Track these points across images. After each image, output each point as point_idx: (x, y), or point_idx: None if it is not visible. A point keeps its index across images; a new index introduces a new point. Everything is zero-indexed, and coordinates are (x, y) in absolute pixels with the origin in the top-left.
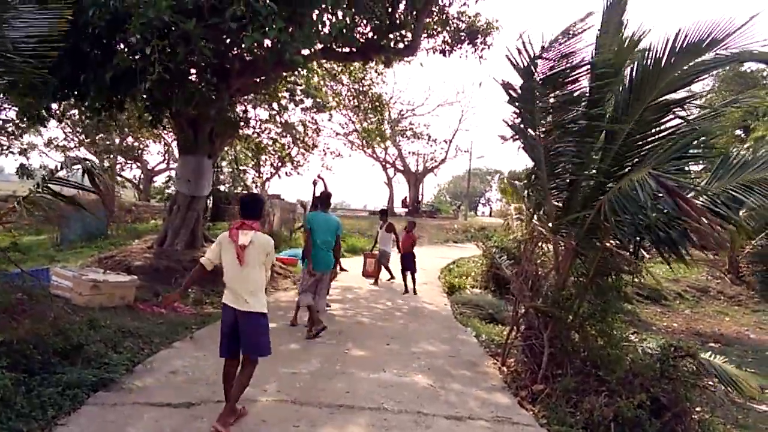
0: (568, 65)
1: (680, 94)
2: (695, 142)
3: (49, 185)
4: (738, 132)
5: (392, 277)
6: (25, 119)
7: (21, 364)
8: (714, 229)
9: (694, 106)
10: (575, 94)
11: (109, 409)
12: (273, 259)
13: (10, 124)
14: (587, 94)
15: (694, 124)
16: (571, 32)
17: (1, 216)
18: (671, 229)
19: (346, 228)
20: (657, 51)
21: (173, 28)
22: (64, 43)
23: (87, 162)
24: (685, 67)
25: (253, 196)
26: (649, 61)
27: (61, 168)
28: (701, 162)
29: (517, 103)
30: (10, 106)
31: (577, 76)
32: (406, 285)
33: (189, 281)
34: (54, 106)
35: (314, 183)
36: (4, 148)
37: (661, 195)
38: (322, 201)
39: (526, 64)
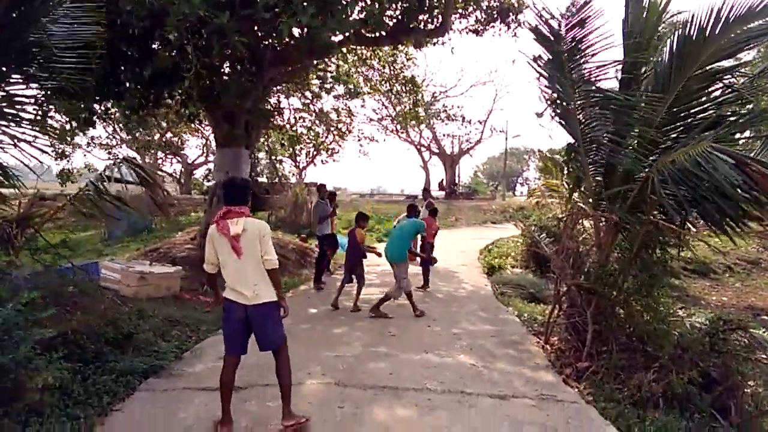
0: (597, 33)
1: (726, 63)
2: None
3: (95, 186)
4: None
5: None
6: (72, 122)
7: (76, 354)
8: None
9: (739, 75)
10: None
11: (161, 394)
12: (270, 243)
13: (57, 128)
14: (621, 66)
15: (743, 92)
16: None
17: (52, 214)
18: (726, 200)
19: (381, 212)
20: (701, 20)
21: (207, 23)
22: (103, 44)
23: (136, 162)
24: (732, 35)
25: (236, 180)
26: (692, 30)
27: (109, 168)
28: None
29: (548, 74)
30: (57, 111)
31: (607, 45)
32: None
33: (214, 287)
34: (96, 106)
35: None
36: (59, 151)
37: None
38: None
39: (551, 32)
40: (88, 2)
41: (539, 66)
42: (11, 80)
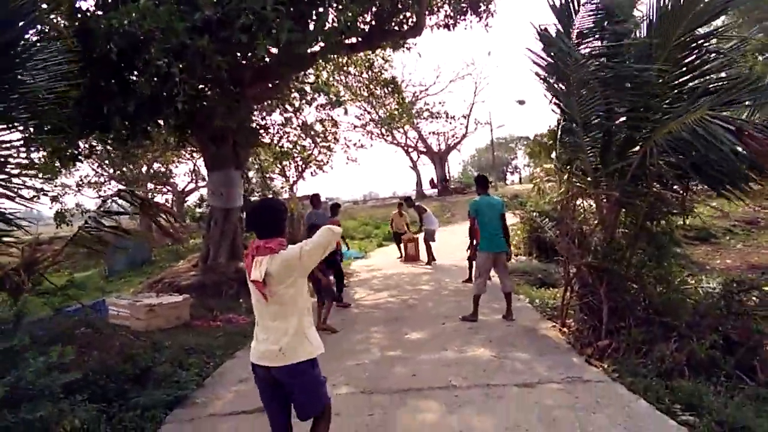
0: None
1: (706, 29)
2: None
3: (96, 220)
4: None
5: (432, 260)
6: (56, 161)
7: (98, 394)
8: None
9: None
10: (605, 42)
11: (187, 424)
12: (306, 250)
13: (38, 167)
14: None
15: (728, 56)
16: None
17: (56, 256)
18: (726, 165)
19: (377, 217)
20: None
21: (188, 47)
22: (82, 79)
23: (135, 192)
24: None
25: (265, 204)
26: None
27: (104, 202)
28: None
29: (552, 54)
30: (40, 149)
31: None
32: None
33: None
34: (81, 144)
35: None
36: (40, 192)
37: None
38: (479, 183)
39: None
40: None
41: (543, 45)
42: None
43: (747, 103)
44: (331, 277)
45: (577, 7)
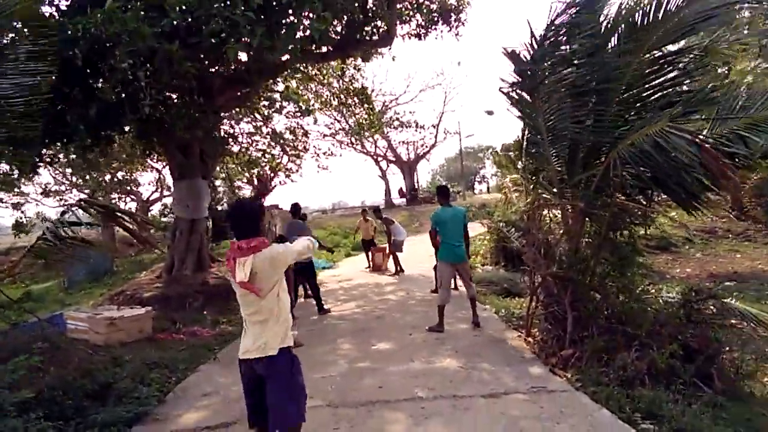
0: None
1: (673, 47)
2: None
3: (55, 230)
4: (720, 70)
5: (401, 270)
6: (15, 170)
7: (54, 411)
8: (728, 170)
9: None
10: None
11: None
12: (289, 250)
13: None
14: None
15: (691, 73)
16: None
17: (12, 268)
18: (685, 175)
19: (346, 227)
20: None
21: (156, 52)
22: (48, 89)
23: (97, 200)
24: (675, 20)
25: (244, 206)
26: (636, 17)
27: (64, 213)
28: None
29: (520, 69)
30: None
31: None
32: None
33: None
34: (43, 151)
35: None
36: (12, 204)
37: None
38: (441, 193)
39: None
40: (34, 52)
41: (513, 59)
42: None
43: (705, 116)
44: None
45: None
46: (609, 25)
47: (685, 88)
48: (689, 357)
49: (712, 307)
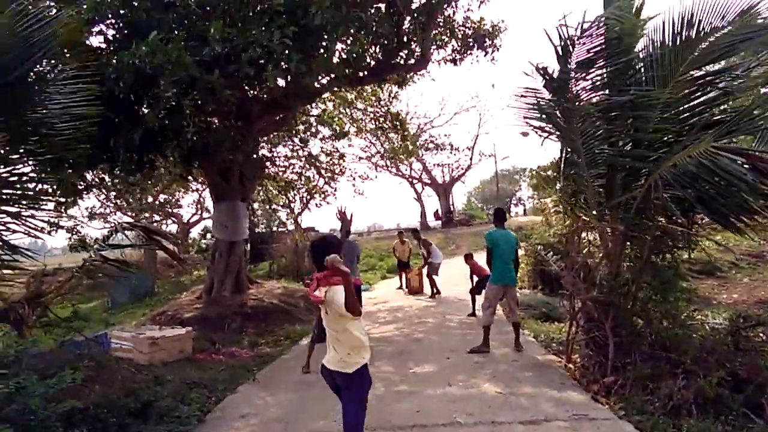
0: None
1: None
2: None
3: (100, 252)
4: (764, 90)
5: (437, 292)
6: (62, 194)
7: (98, 428)
8: None
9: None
10: (607, 77)
11: None
12: (338, 307)
13: (51, 200)
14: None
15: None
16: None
17: (61, 288)
18: (729, 198)
19: (382, 249)
20: (676, 26)
21: (197, 81)
22: (95, 115)
23: (140, 223)
24: (710, 39)
25: (320, 242)
26: (668, 37)
27: (111, 234)
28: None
29: (553, 89)
30: (48, 183)
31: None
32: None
33: None
34: (88, 175)
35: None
36: (54, 226)
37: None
38: (497, 216)
39: (563, 46)
40: (81, 79)
41: (546, 83)
42: (10, 159)
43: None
44: None
45: (577, 39)
46: (641, 48)
47: (725, 107)
48: (738, 386)
49: (761, 335)
